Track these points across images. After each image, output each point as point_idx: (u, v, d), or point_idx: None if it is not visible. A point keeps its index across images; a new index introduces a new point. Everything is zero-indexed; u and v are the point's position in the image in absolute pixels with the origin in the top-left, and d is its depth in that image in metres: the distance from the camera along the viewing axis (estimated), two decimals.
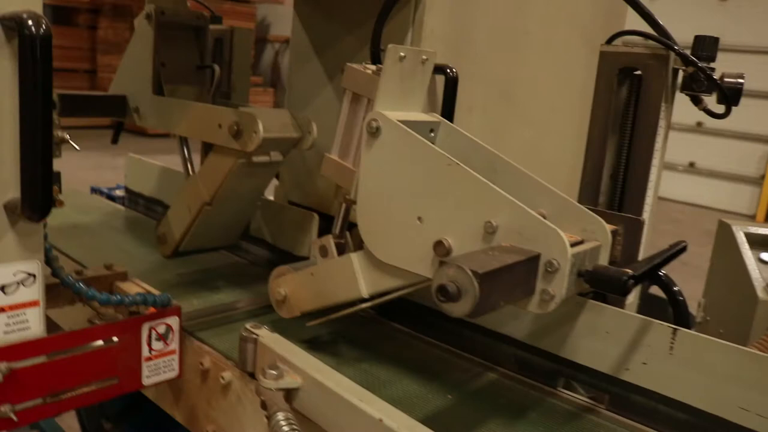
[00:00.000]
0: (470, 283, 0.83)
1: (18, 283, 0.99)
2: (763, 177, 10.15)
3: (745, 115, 10.00)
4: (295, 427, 0.97)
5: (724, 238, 2.21)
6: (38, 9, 0.89)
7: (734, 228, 2.17)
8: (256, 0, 12.22)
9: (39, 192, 0.91)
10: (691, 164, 10.86)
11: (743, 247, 2.12)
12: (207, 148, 1.86)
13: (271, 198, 1.91)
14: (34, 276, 1.00)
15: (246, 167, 1.48)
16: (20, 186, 0.91)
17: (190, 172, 1.76)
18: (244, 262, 1.90)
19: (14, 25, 0.86)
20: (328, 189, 1.79)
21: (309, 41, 1.79)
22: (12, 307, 0.99)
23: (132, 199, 2.40)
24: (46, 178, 0.90)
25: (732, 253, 2.14)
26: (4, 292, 0.98)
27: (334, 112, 1.69)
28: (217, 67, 1.75)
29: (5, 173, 0.93)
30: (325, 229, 1.57)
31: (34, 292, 1.01)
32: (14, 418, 1.01)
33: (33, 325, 1.02)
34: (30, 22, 0.85)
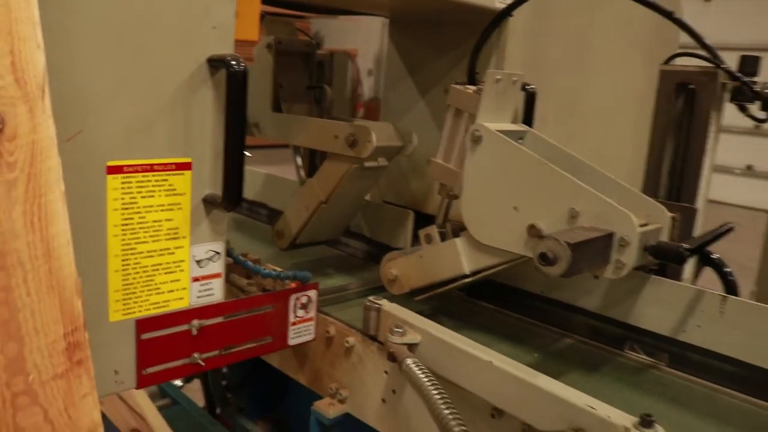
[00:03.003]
0: (564, 250, 1.11)
1: (208, 259, 1.30)
2: None
3: None
4: (422, 367, 1.25)
5: None
6: (232, 50, 1.20)
7: None
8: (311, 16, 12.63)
9: (235, 188, 1.21)
10: (749, 167, 10.82)
11: None
12: (314, 158, 2.18)
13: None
14: (219, 253, 1.31)
15: (358, 171, 1.77)
16: (223, 183, 1.22)
17: (303, 177, 2.07)
18: (344, 254, 2.19)
19: (221, 65, 1.17)
20: (419, 189, 2.08)
21: (402, 64, 2.09)
22: (204, 278, 1.30)
23: None
24: (241, 178, 1.21)
25: None
26: (199, 266, 1.28)
27: (426, 124, 2.00)
28: (328, 88, 2.06)
29: (205, 175, 1.23)
30: (417, 224, 1.86)
31: (219, 266, 1.32)
32: (202, 363, 1.31)
33: (216, 292, 1.32)
34: (233, 62, 1.16)
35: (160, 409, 2.07)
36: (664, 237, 1.35)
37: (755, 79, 1.44)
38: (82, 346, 0.74)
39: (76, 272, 0.75)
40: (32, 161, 0.72)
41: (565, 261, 1.11)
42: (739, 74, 1.43)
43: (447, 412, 1.11)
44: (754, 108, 1.51)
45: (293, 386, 1.88)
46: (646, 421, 1.00)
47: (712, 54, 1.46)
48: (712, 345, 1.43)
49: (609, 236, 1.23)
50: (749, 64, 1.44)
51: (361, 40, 12.60)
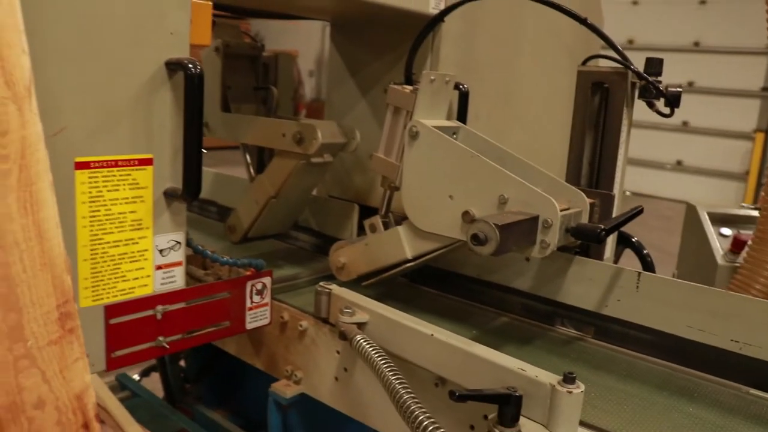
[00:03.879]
0: (493, 231, 1.25)
1: (170, 249, 1.39)
2: (747, 173, 10.53)
3: (727, 113, 10.44)
4: (371, 342, 1.37)
5: (691, 217, 2.64)
6: (188, 54, 1.31)
7: (699, 208, 2.60)
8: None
9: (194, 180, 1.32)
10: (679, 162, 11.26)
11: (706, 224, 2.54)
12: (262, 155, 2.29)
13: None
14: (180, 243, 1.41)
15: (305, 167, 1.89)
16: (182, 176, 1.32)
17: (252, 174, 2.18)
18: (294, 247, 2.30)
19: (179, 67, 1.27)
20: (363, 183, 2.20)
21: (344, 65, 2.22)
22: (166, 266, 1.39)
23: None
24: (199, 172, 1.32)
25: (697, 229, 2.56)
26: (162, 255, 1.38)
27: (367, 121, 2.12)
28: (274, 88, 2.17)
29: (165, 170, 1.33)
30: (362, 217, 1.98)
31: (180, 255, 1.41)
32: (166, 346, 1.41)
33: (178, 279, 1.42)
34: (191, 65, 1.26)
35: (121, 401, 2.13)
36: (584, 219, 1.50)
37: (660, 78, 1.61)
38: (73, 316, 0.84)
39: (65, 252, 0.85)
40: (23, 154, 0.81)
41: (495, 241, 1.25)
42: (645, 74, 1.60)
43: (394, 378, 1.23)
44: (660, 104, 1.68)
45: (251, 373, 1.97)
46: (568, 378, 1.14)
47: (621, 56, 1.63)
48: (630, 317, 1.59)
49: (534, 219, 1.37)
50: (654, 65, 1.61)
51: (302, 41, 12.66)
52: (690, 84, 10.77)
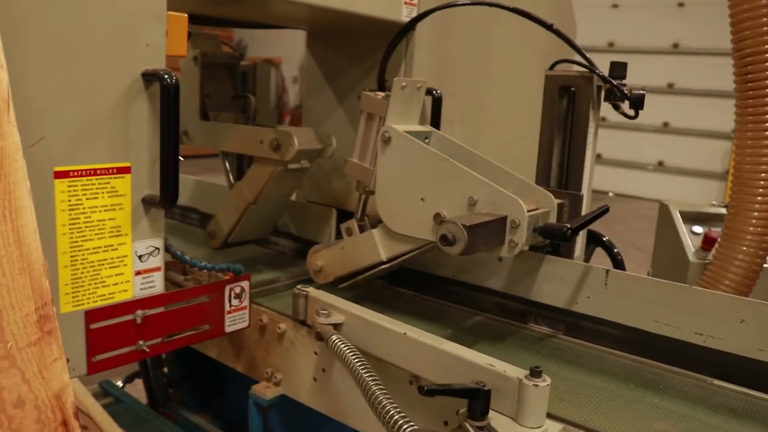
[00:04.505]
0: (461, 232, 1.29)
1: (149, 254, 1.43)
2: (727, 172, 10.64)
3: (707, 114, 10.56)
4: (346, 342, 1.41)
5: (665, 216, 2.70)
6: (164, 65, 1.35)
7: (671, 207, 2.66)
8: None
9: (171, 188, 1.35)
10: (660, 163, 11.37)
11: (678, 222, 2.60)
12: (241, 162, 2.32)
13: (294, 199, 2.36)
14: (159, 249, 1.44)
15: (283, 173, 1.93)
16: (160, 184, 1.36)
17: (232, 181, 2.22)
18: (274, 252, 2.34)
19: (155, 78, 1.31)
20: (341, 188, 2.24)
21: (321, 72, 2.26)
22: (146, 271, 1.43)
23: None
24: (176, 179, 1.35)
25: (670, 228, 2.62)
26: (141, 260, 1.42)
27: (344, 128, 2.17)
28: (252, 97, 2.21)
29: (143, 178, 1.37)
30: (340, 221, 2.02)
31: (159, 260, 1.45)
32: (146, 349, 1.44)
33: (157, 284, 1.46)
34: (166, 76, 1.30)
35: (104, 407, 2.16)
36: (552, 219, 1.55)
37: (624, 81, 1.67)
38: (51, 318, 0.88)
39: (43, 256, 0.89)
40: (1, 164, 0.85)
41: (463, 241, 1.29)
42: (609, 78, 1.66)
43: (368, 376, 1.27)
44: (625, 106, 1.74)
45: (232, 377, 2.01)
46: (535, 372, 1.19)
47: (587, 60, 1.69)
48: (600, 313, 1.64)
49: (503, 219, 1.42)
50: (618, 69, 1.67)
51: (286, 48, 12.69)
52: (670, 86, 10.90)
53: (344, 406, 1.57)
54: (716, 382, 1.49)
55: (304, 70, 2.36)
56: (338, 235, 2.04)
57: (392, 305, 1.87)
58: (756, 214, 1.87)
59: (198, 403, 2.44)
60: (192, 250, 2.26)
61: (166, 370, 2.49)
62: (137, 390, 2.51)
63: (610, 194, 11.14)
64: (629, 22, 11.20)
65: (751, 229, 1.90)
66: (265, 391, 1.71)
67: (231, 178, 2.24)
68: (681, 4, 10.85)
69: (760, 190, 1.86)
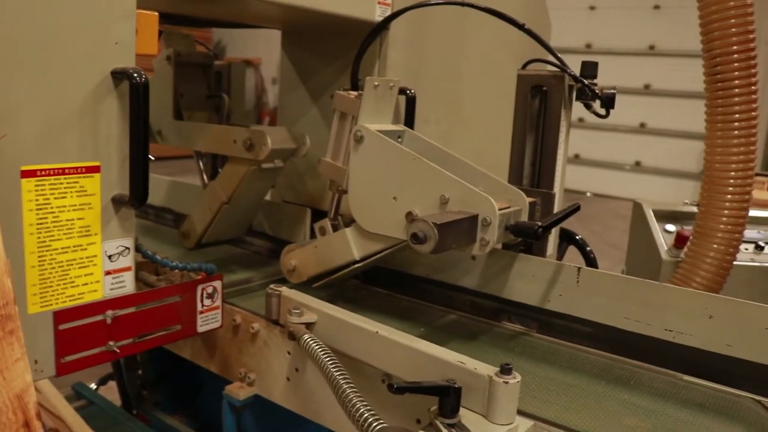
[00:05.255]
0: (431, 230, 1.30)
1: (119, 254, 1.42)
2: (703, 172, 10.75)
3: (683, 115, 10.67)
4: (318, 341, 1.41)
5: (638, 214, 2.72)
6: (134, 63, 1.34)
7: (644, 206, 2.69)
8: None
9: (141, 187, 1.34)
10: (637, 163, 11.47)
11: (651, 220, 2.63)
12: (215, 162, 2.31)
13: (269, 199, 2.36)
14: (129, 249, 1.43)
15: (256, 172, 1.92)
16: (129, 183, 1.35)
17: (206, 180, 2.21)
18: (248, 252, 2.33)
19: (124, 77, 1.30)
20: (315, 188, 2.24)
21: (295, 72, 2.25)
22: (115, 271, 1.42)
23: (142, 209, 2.80)
24: (146, 178, 1.34)
25: (643, 226, 2.65)
26: (111, 260, 1.40)
27: (318, 127, 2.16)
28: (226, 96, 2.20)
29: (113, 177, 1.36)
30: (315, 220, 2.02)
31: (129, 260, 1.44)
32: (117, 350, 1.43)
33: (128, 284, 1.45)
34: (135, 75, 1.29)
35: (77, 410, 2.14)
36: (524, 218, 1.56)
37: (595, 81, 1.68)
38: (13, 318, 0.87)
39: (4, 255, 0.88)
40: None
41: (433, 239, 1.30)
42: (580, 77, 1.67)
43: (339, 375, 1.27)
44: (597, 106, 1.76)
45: (206, 378, 2.00)
46: (505, 369, 1.19)
47: (558, 60, 1.70)
48: (572, 310, 1.65)
49: (474, 218, 1.42)
50: (589, 69, 1.68)
51: (265, 49, 12.63)
52: (647, 87, 11.00)
53: (318, 406, 1.56)
54: (686, 377, 1.50)
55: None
56: (313, 235, 2.04)
57: (366, 304, 1.87)
58: (726, 212, 1.90)
59: (172, 405, 2.43)
60: (166, 250, 2.25)
61: (140, 371, 2.47)
62: (111, 392, 2.49)
63: (588, 194, 11.22)
64: (606, 23, 11.29)
65: (722, 227, 1.93)
66: (238, 392, 1.70)
67: (205, 177, 2.24)
68: (657, 7, 10.95)
69: (730, 188, 1.88)
